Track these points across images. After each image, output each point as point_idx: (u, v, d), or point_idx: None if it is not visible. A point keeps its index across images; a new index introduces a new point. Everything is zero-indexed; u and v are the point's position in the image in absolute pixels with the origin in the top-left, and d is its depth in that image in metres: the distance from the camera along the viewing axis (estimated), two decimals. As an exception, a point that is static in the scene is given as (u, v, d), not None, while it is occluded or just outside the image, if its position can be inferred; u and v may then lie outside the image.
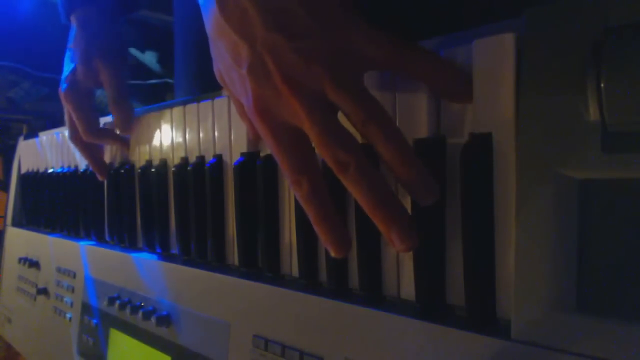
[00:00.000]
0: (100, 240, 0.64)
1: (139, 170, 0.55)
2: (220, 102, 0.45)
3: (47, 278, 0.71)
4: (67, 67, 0.60)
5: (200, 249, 0.47)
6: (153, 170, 0.53)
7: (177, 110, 0.50)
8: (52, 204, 0.75)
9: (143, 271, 0.51)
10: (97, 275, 0.59)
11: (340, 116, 0.28)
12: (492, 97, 0.27)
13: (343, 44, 0.27)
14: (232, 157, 0.44)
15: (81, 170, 0.67)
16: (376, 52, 0.28)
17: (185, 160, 0.49)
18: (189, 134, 0.49)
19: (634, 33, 0.21)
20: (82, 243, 0.64)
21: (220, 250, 0.45)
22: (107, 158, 0.63)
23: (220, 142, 0.45)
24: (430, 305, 0.29)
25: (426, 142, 0.29)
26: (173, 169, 0.50)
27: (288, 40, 0.27)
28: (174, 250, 0.51)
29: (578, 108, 0.23)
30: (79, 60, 0.59)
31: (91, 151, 0.61)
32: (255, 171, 0.40)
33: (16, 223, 0.89)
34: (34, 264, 0.75)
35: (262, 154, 0.41)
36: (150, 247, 0.54)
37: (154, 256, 0.52)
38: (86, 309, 0.60)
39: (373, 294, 0.33)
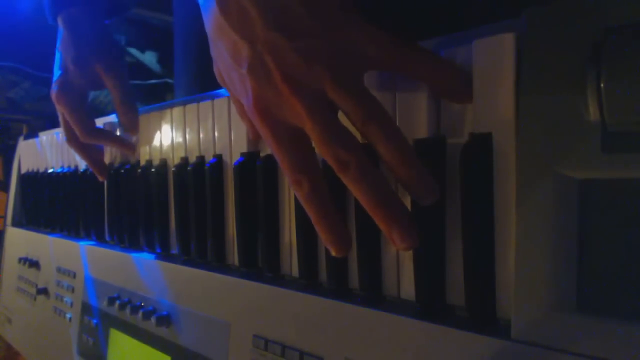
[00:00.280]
0: (100, 240, 0.64)
1: (139, 170, 0.55)
2: (220, 102, 0.45)
3: (47, 278, 0.71)
4: (57, 71, 0.59)
5: (200, 249, 0.47)
6: (153, 170, 0.53)
7: (177, 110, 0.50)
8: (52, 204, 0.75)
9: (143, 271, 0.51)
10: (97, 275, 0.59)
11: (341, 116, 0.28)
12: (492, 97, 0.27)
13: (343, 44, 0.27)
14: (232, 157, 0.44)
15: (81, 170, 0.67)
16: (376, 51, 0.28)
17: (185, 160, 0.49)
18: (189, 134, 0.49)
19: (634, 33, 0.21)
20: (82, 243, 0.64)
21: (220, 250, 0.45)
22: (107, 158, 0.63)
23: (220, 142, 0.45)
24: (430, 305, 0.29)
25: (426, 142, 0.29)
26: (173, 169, 0.50)
27: (288, 40, 0.27)
28: (174, 250, 0.51)
29: (578, 108, 0.23)
30: (71, 62, 0.58)
31: (89, 152, 0.61)
32: (255, 171, 0.40)
33: (16, 223, 0.89)
34: (34, 264, 0.75)
35: (262, 154, 0.41)
36: (150, 247, 0.54)
37: (154, 256, 0.52)
38: (86, 309, 0.60)
39: (373, 294, 0.33)
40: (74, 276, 0.64)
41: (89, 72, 0.58)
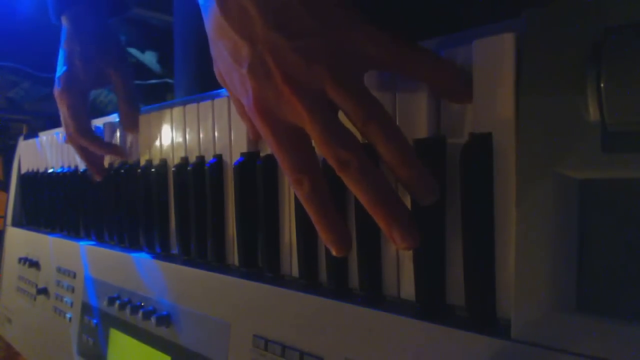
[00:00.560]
0: (100, 240, 0.64)
1: (139, 170, 0.55)
2: (220, 102, 0.45)
3: (47, 278, 0.71)
4: (62, 67, 0.60)
5: (200, 249, 0.47)
6: (153, 170, 0.53)
7: (177, 110, 0.50)
8: (52, 204, 0.75)
9: (143, 271, 0.51)
10: (97, 275, 0.59)
11: (341, 115, 0.28)
12: (492, 97, 0.27)
13: (343, 44, 0.27)
14: (232, 157, 0.44)
15: (81, 171, 0.67)
16: (376, 51, 0.28)
17: (185, 160, 0.49)
18: (189, 134, 0.49)
19: (634, 33, 0.21)
20: (82, 243, 0.64)
21: (220, 250, 0.45)
22: (107, 158, 0.63)
23: (220, 142, 0.45)
24: (430, 305, 0.29)
25: (426, 142, 0.29)
26: (173, 169, 0.50)
27: (289, 40, 0.27)
28: (174, 250, 0.51)
29: (578, 108, 0.23)
30: (77, 58, 0.59)
31: (88, 151, 0.61)
32: (255, 171, 0.40)
33: (16, 223, 0.89)
34: (34, 264, 0.75)
35: (262, 154, 0.41)
36: (150, 247, 0.54)
37: (154, 256, 0.52)
38: (86, 309, 0.60)
39: (373, 294, 0.33)
40: (74, 276, 0.64)
41: (95, 69, 0.59)
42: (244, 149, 0.42)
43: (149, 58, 1.24)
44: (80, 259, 0.63)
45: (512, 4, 0.28)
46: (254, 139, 0.41)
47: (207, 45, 0.32)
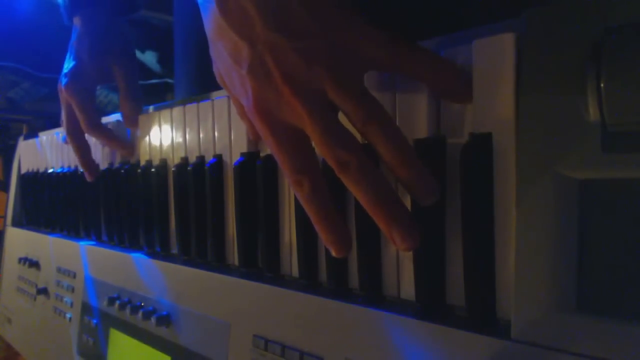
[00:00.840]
0: (100, 240, 0.64)
1: (139, 170, 0.55)
2: (220, 102, 0.45)
3: (47, 278, 0.71)
4: (69, 63, 0.61)
5: (200, 249, 0.47)
6: (153, 170, 0.53)
7: (177, 110, 0.50)
8: (52, 204, 0.75)
9: (143, 271, 0.51)
10: (97, 275, 0.59)
11: (341, 116, 0.28)
12: (492, 97, 0.27)
13: (343, 44, 0.27)
14: (232, 157, 0.44)
15: (81, 171, 0.67)
16: (376, 52, 0.28)
17: (185, 160, 0.49)
18: (189, 134, 0.49)
19: (634, 33, 0.21)
20: (82, 243, 0.64)
21: (220, 250, 0.45)
22: (107, 158, 0.63)
23: (220, 142, 0.45)
24: (430, 305, 0.29)
25: (426, 142, 0.29)
26: (173, 169, 0.50)
27: (288, 40, 0.27)
28: (174, 250, 0.51)
29: (578, 108, 0.23)
30: (85, 54, 0.60)
31: (84, 150, 0.61)
32: (255, 171, 0.40)
33: (16, 223, 0.89)
34: (34, 264, 0.75)
35: (262, 154, 0.41)
36: (150, 247, 0.54)
37: (154, 256, 0.52)
38: (86, 309, 0.60)
39: (373, 294, 0.33)
40: (74, 276, 0.64)
41: (102, 65, 0.60)
42: (244, 149, 0.42)
43: (149, 58, 1.24)
44: (80, 259, 0.63)
45: (512, 4, 0.28)
46: (254, 139, 0.41)
47: (207, 45, 0.32)
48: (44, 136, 0.79)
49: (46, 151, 0.79)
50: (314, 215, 0.28)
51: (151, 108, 0.57)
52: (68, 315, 0.64)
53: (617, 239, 0.22)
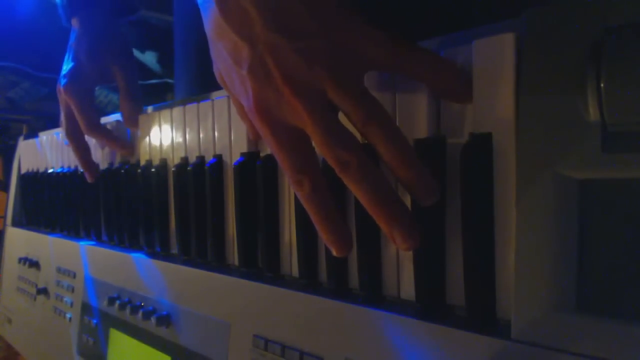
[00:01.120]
0: (100, 240, 0.64)
1: (139, 170, 0.55)
2: (220, 102, 0.45)
3: (47, 278, 0.71)
4: (68, 64, 0.61)
5: (200, 249, 0.47)
6: (153, 170, 0.53)
7: (177, 110, 0.50)
8: (52, 204, 0.75)
9: (143, 271, 0.51)
10: (97, 275, 0.59)
11: (341, 116, 0.28)
12: (492, 97, 0.27)
13: (343, 44, 0.27)
14: (232, 157, 0.44)
15: (81, 171, 0.67)
16: (376, 52, 0.28)
17: (185, 160, 0.49)
18: (189, 134, 0.49)
19: (634, 33, 0.21)
20: (82, 243, 0.64)
21: (220, 250, 0.45)
22: (107, 158, 0.63)
23: (220, 142, 0.45)
24: (430, 305, 0.29)
25: (426, 142, 0.29)
26: (173, 169, 0.50)
27: (289, 41, 0.27)
28: (174, 250, 0.51)
29: (578, 108, 0.23)
30: (84, 54, 0.60)
31: (84, 151, 0.61)
32: (255, 171, 0.40)
33: (16, 223, 0.89)
34: (34, 264, 0.75)
35: (262, 154, 0.41)
36: (150, 247, 0.54)
37: (154, 256, 0.52)
38: (86, 309, 0.60)
39: (373, 294, 0.33)
40: (74, 276, 0.64)
41: (101, 66, 0.60)
42: (244, 149, 0.42)
43: (149, 58, 1.24)
44: (80, 259, 0.63)
45: (512, 4, 0.28)
46: (254, 139, 0.41)
47: (207, 45, 0.32)
48: (44, 136, 0.79)
49: (46, 151, 0.79)
50: (315, 215, 0.28)
51: (151, 108, 0.57)
52: (68, 315, 0.64)
53: (617, 239, 0.22)
